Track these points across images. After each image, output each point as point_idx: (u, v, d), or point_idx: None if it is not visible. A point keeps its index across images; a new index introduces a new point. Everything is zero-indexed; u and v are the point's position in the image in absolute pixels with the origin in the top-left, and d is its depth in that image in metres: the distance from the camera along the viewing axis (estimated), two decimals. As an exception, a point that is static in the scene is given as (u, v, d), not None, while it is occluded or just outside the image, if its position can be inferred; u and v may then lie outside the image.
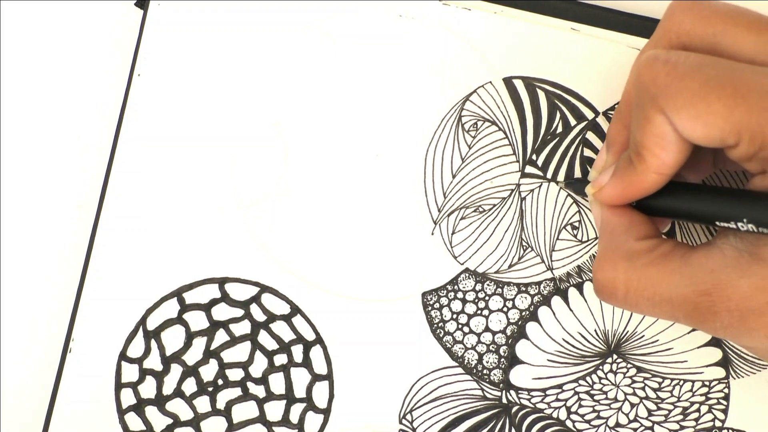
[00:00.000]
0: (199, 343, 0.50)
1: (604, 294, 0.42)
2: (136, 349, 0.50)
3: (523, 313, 0.50)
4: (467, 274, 0.50)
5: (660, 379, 0.50)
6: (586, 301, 0.50)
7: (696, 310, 0.39)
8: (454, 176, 0.50)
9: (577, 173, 0.50)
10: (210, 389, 0.50)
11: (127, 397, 0.50)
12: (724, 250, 0.39)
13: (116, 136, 0.51)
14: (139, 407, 0.50)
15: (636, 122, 0.41)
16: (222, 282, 0.50)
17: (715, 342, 0.50)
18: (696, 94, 0.38)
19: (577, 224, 0.50)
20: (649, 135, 0.40)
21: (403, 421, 0.49)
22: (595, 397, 0.50)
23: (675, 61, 0.39)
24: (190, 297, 0.50)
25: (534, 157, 0.50)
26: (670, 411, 0.50)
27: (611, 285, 0.41)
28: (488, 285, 0.50)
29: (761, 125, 0.37)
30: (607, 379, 0.50)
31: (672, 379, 0.50)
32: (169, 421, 0.50)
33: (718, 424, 0.50)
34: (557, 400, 0.50)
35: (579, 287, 0.50)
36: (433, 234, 0.50)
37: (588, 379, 0.50)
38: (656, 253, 0.41)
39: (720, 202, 0.39)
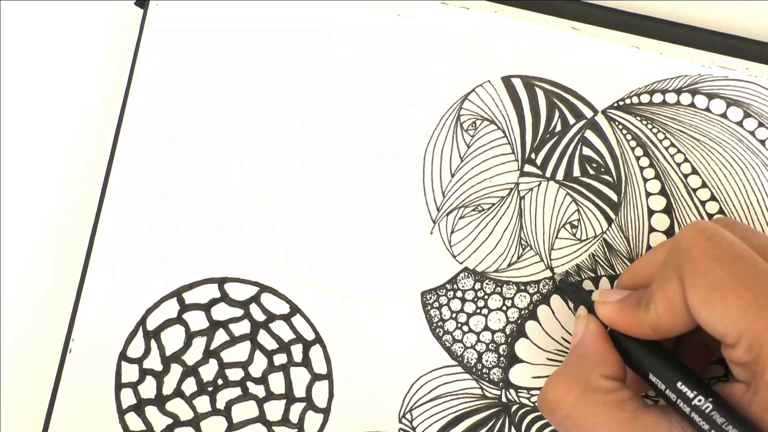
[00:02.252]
0: (199, 343, 0.50)
1: (546, 408, 0.43)
2: (136, 349, 0.50)
3: (523, 312, 0.50)
4: (466, 273, 0.50)
5: (659, 378, 0.50)
6: (585, 299, 0.50)
7: None
8: (452, 175, 0.50)
9: (576, 172, 0.50)
10: (210, 389, 0.50)
11: (127, 397, 0.50)
12: (673, 428, 0.40)
13: (116, 136, 0.51)
14: (139, 407, 0.50)
15: (657, 275, 0.41)
16: (222, 282, 0.50)
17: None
18: (718, 283, 0.38)
19: (576, 223, 0.50)
20: (662, 295, 0.40)
21: (403, 420, 0.49)
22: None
23: (717, 242, 0.39)
24: (189, 297, 0.50)
25: (533, 156, 0.50)
26: (669, 409, 0.50)
27: (556, 404, 0.42)
28: (487, 284, 0.50)
29: (764, 339, 0.37)
30: (606, 377, 0.50)
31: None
32: (169, 421, 0.50)
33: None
34: (557, 398, 0.50)
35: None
36: (432, 233, 0.50)
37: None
38: (612, 396, 0.41)
39: (690, 397, 0.40)
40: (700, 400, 0.39)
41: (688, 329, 0.41)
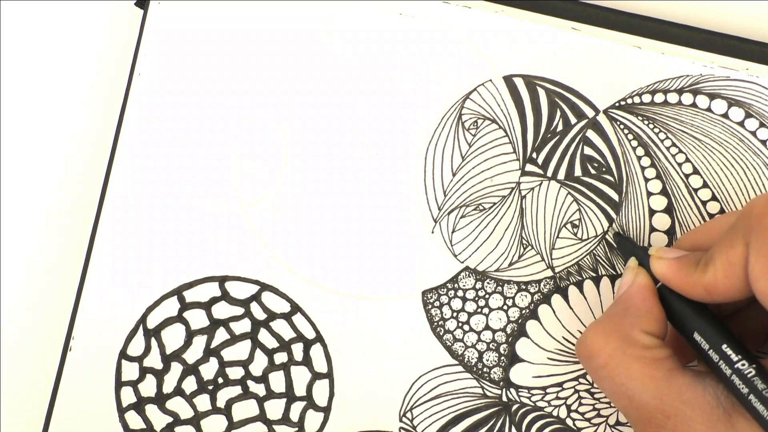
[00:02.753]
0: (200, 342, 0.50)
1: (583, 354, 0.43)
2: (136, 347, 0.50)
3: (523, 312, 0.50)
4: (467, 273, 0.50)
5: (660, 377, 0.50)
6: (586, 299, 0.50)
7: (648, 420, 0.40)
8: (454, 174, 0.50)
9: (578, 171, 0.50)
10: (210, 388, 0.50)
11: (128, 396, 0.50)
12: (707, 392, 0.40)
13: (116, 136, 0.51)
14: (139, 406, 0.50)
15: (723, 237, 0.41)
16: (222, 280, 0.50)
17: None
18: None
19: (577, 222, 0.50)
20: (724, 257, 0.40)
21: (404, 419, 0.49)
22: (596, 396, 0.49)
23: None
24: (190, 295, 0.50)
25: (534, 155, 0.50)
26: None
27: (594, 351, 0.42)
28: (488, 283, 0.50)
29: None
30: (607, 377, 0.50)
31: (672, 377, 0.50)
32: (170, 419, 0.50)
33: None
34: (557, 398, 0.50)
35: (579, 285, 0.50)
36: (433, 232, 0.50)
37: (588, 377, 0.49)
38: (650, 353, 0.41)
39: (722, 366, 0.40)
40: (743, 365, 0.39)
41: (741, 297, 0.40)
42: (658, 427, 0.40)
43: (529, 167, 0.50)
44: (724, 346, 0.40)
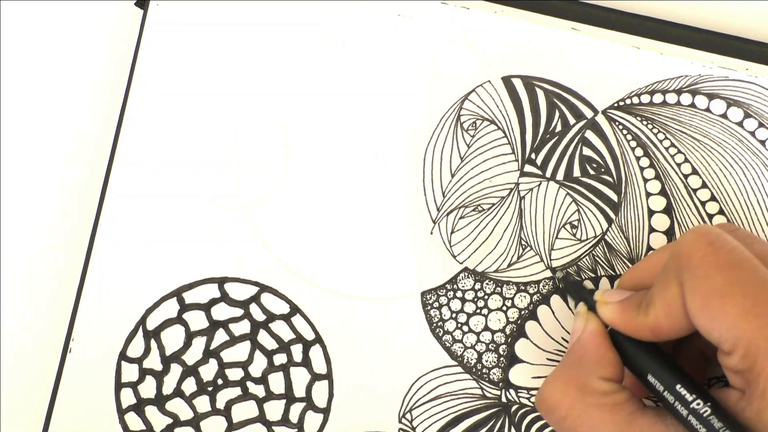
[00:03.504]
0: (199, 343, 0.50)
1: (543, 408, 0.43)
2: (135, 348, 0.50)
3: (523, 312, 0.50)
4: (466, 273, 0.50)
5: (659, 378, 0.50)
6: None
7: None
8: (453, 175, 0.50)
9: (576, 172, 0.50)
10: (210, 389, 0.50)
11: (127, 397, 0.50)
12: (668, 428, 0.40)
13: (116, 136, 0.51)
14: (138, 407, 0.50)
15: (658, 278, 0.41)
16: (221, 282, 0.50)
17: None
18: (717, 289, 0.38)
19: (576, 223, 0.50)
20: (662, 298, 0.41)
21: (403, 420, 0.49)
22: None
23: (718, 248, 0.39)
24: (189, 297, 0.50)
25: (533, 156, 0.50)
26: (669, 410, 0.50)
27: (554, 405, 0.42)
28: (487, 284, 0.50)
29: (759, 348, 0.37)
30: (606, 378, 0.50)
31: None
32: (169, 420, 0.50)
33: (717, 422, 0.50)
34: (557, 399, 0.50)
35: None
36: (432, 233, 0.50)
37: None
38: (609, 399, 0.41)
39: (689, 401, 0.40)
40: (698, 404, 0.39)
41: (686, 333, 0.41)
42: None
43: (527, 168, 0.50)
44: (678, 386, 0.40)
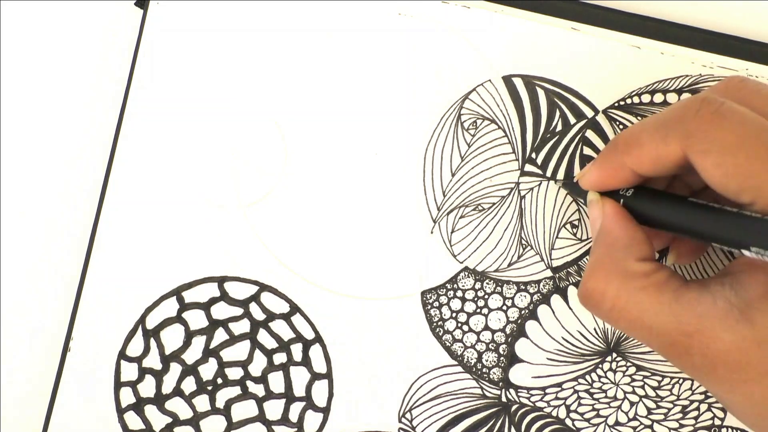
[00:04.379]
0: (199, 342, 0.50)
1: (590, 303, 0.43)
2: (135, 348, 0.50)
3: (523, 312, 0.50)
4: (467, 273, 0.50)
5: (659, 378, 0.50)
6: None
7: (672, 345, 0.40)
8: (453, 175, 0.50)
9: (577, 171, 0.50)
10: (209, 388, 0.50)
11: (127, 396, 0.50)
12: (716, 299, 0.40)
13: (116, 136, 0.51)
14: (138, 406, 0.50)
15: (654, 131, 0.42)
16: (221, 281, 0.50)
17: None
18: (728, 147, 0.39)
19: (576, 222, 0.50)
20: (653, 147, 0.41)
21: (403, 420, 0.49)
22: (595, 396, 0.50)
23: (722, 111, 0.40)
24: (189, 296, 0.50)
25: (533, 155, 0.50)
26: (669, 409, 0.49)
27: (599, 297, 0.42)
28: (488, 283, 0.50)
29: None
30: (606, 377, 0.50)
31: (671, 378, 0.50)
32: (169, 420, 0.50)
33: (717, 422, 0.50)
34: (557, 398, 0.50)
35: (579, 286, 0.50)
36: (432, 233, 0.50)
37: (587, 377, 0.49)
38: (651, 279, 0.41)
39: (727, 226, 0.40)
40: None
41: (658, 176, 0.43)
42: (684, 349, 0.40)
43: (528, 167, 0.50)
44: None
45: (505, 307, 0.50)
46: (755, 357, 0.38)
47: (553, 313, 0.50)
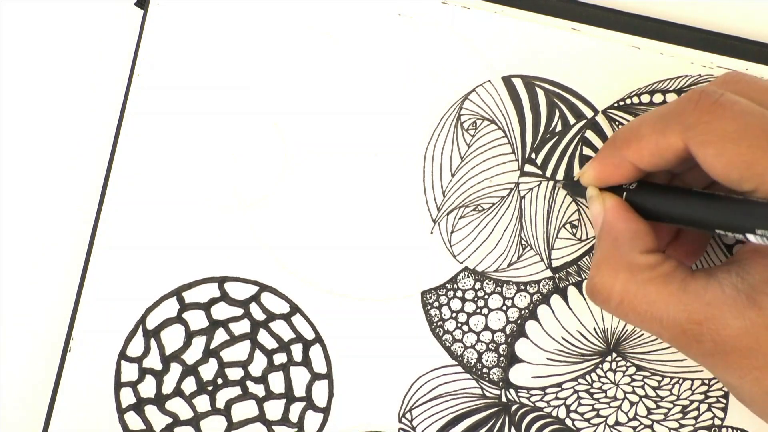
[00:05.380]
0: (199, 342, 0.50)
1: (598, 298, 0.43)
2: (135, 348, 0.50)
3: (523, 312, 0.50)
4: (466, 273, 0.50)
5: (659, 378, 0.50)
6: (585, 299, 0.50)
7: (683, 334, 0.40)
8: (453, 175, 0.50)
9: (577, 172, 0.50)
10: (209, 388, 0.50)
11: (127, 397, 0.50)
12: (724, 286, 0.40)
13: (116, 136, 0.51)
14: (138, 406, 0.50)
15: (654, 123, 0.42)
16: (221, 281, 0.50)
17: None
18: (729, 136, 0.39)
19: (576, 223, 0.50)
20: (653, 140, 0.42)
21: (403, 420, 0.49)
22: (595, 396, 0.50)
23: (722, 102, 0.40)
24: (189, 296, 0.50)
25: (533, 155, 0.50)
26: (669, 409, 0.50)
27: (607, 292, 0.42)
28: (487, 284, 0.50)
29: None
30: (606, 377, 0.50)
31: (671, 378, 0.50)
32: (169, 420, 0.50)
33: (717, 422, 0.50)
34: (557, 398, 0.50)
35: (578, 286, 0.50)
36: (432, 233, 0.50)
37: (587, 377, 0.49)
38: (658, 271, 0.41)
39: (731, 212, 0.40)
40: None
41: (657, 170, 0.43)
42: (695, 338, 0.40)
43: (528, 167, 0.50)
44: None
45: (505, 307, 0.50)
46: (765, 341, 0.39)
47: (553, 313, 0.50)
